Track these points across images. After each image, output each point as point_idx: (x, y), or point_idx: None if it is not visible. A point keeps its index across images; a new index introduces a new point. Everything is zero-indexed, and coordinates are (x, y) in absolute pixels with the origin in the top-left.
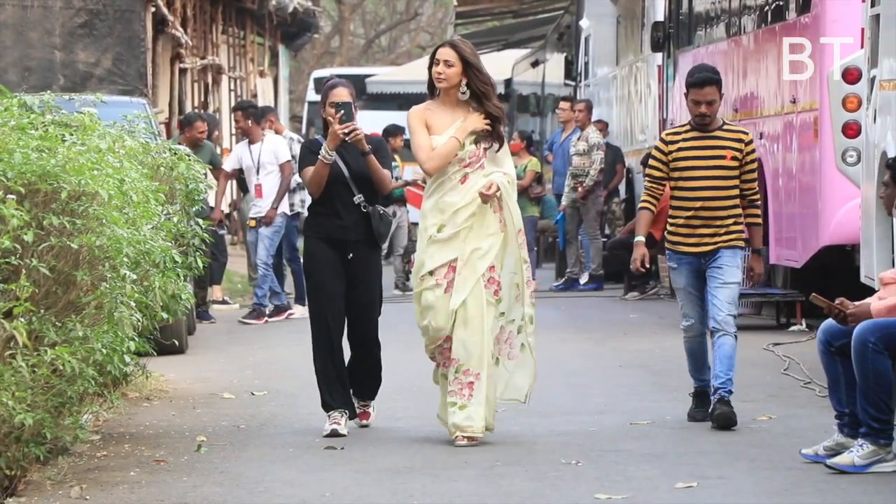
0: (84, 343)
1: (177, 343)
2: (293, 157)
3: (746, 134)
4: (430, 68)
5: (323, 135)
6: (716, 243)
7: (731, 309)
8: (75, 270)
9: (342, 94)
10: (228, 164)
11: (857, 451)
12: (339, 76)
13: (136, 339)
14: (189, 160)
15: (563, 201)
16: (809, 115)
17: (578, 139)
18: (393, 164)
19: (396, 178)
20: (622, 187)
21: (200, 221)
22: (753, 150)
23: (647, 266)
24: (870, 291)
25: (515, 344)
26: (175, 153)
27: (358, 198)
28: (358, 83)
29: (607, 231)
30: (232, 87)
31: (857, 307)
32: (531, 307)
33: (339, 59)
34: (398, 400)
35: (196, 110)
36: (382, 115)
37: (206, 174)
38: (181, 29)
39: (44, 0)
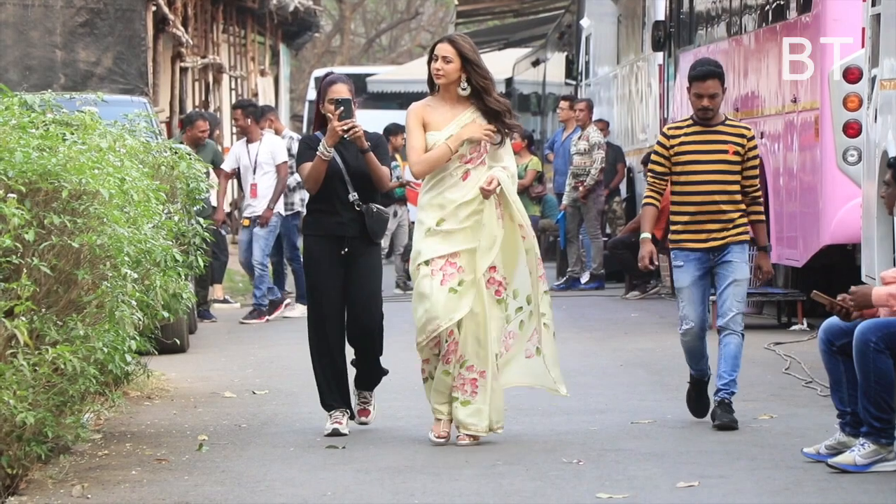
0: (85, 342)
1: (178, 342)
2: (293, 155)
3: (749, 130)
4: (429, 64)
5: (315, 129)
6: (725, 237)
7: (739, 307)
8: (76, 269)
9: (341, 90)
10: (227, 164)
11: (859, 451)
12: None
13: (138, 338)
14: (190, 159)
15: (564, 200)
16: (810, 114)
17: (579, 138)
18: (394, 163)
19: (398, 178)
20: (623, 186)
21: (201, 220)
22: (755, 147)
23: (656, 263)
24: None
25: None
26: (176, 152)
27: (352, 196)
28: (359, 82)
29: (608, 230)
30: (233, 86)
31: (858, 288)
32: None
33: (340, 58)
34: (399, 399)
35: (197, 109)
36: (383, 114)
37: (208, 173)
38: (182, 28)
39: None
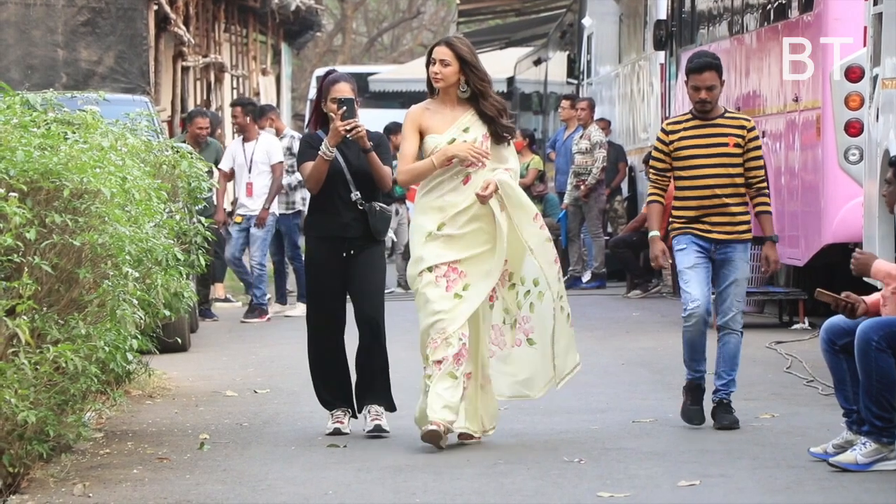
0: (87, 341)
1: (179, 341)
2: (294, 155)
3: (748, 121)
4: (427, 67)
5: (315, 126)
6: (727, 233)
7: (739, 307)
8: (78, 268)
9: (344, 89)
10: (224, 164)
11: (860, 450)
12: None
13: (139, 336)
14: (191, 158)
15: (566, 199)
16: (812, 113)
17: (581, 137)
18: (395, 162)
19: None
20: (624, 185)
21: (203, 219)
22: (756, 138)
23: (670, 260)
24: (872, 290)
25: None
26: (177, 151)
27: (355, 195)
28: (360, 81)
29: (609, 229)
30: (234, 85)
31: (862, 253)
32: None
33: (342, 57)
34: (400, 398)
35: (198, 107)
36: (385, 113)
37: (210, 172)
38: (184, 27)
39: None
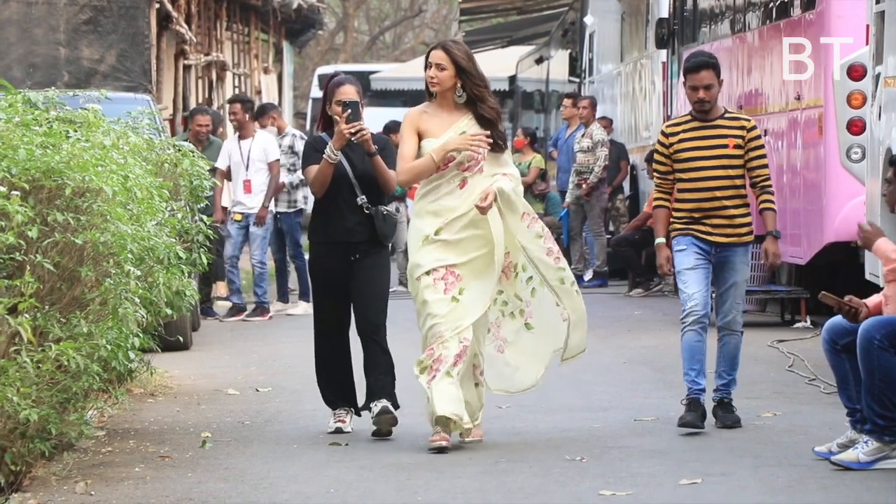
0: (89, 339)
1: (181, 339)
2: (296, 153)
3: (749, 120)
4: (424, 70)
5: (321, 129)
6: (728, 236)
7: (739, 308)
8: (80, 266)
9: (349, 92)
10: (221, 162)
11: (862, 448)
12: (345, 73)
13: (141, 335)
14: (193, 156)
15: (568, 198)
16: (814, 111)
17: (583, 136)
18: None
19: None
20: (626, 184)
21: (205, 217)
22: (758, 137)
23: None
24: (875, 288)
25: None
26: (179, 149)
27: (361, 199)
28: (362, 80)
29: (611, 228)
30: (236, 83)
31: (871, 229)
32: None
33: (344, 55)
34: (401, 396)
35: (200, 105)
36: (387, 111)
37: (213, 170)
38: (185, 25)
39: None
